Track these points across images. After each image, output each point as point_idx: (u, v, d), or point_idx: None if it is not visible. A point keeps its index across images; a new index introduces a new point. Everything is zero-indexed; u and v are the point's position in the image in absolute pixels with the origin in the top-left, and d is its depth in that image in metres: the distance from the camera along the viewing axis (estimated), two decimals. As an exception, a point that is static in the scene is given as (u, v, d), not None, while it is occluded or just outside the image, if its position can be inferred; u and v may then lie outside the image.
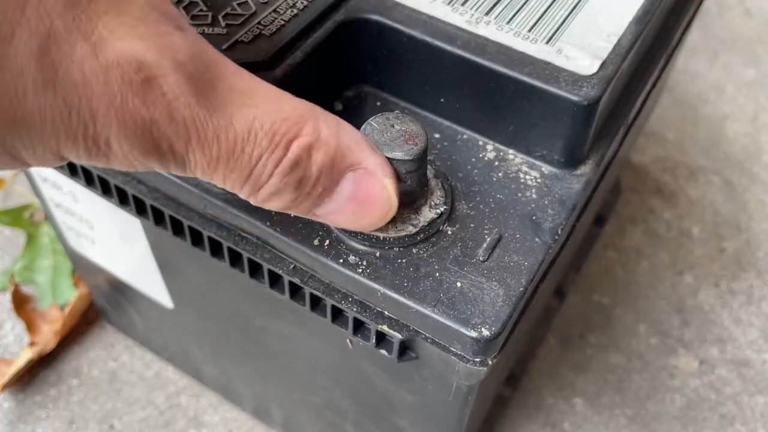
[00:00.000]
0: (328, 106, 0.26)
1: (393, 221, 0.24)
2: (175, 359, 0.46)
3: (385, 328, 0.24)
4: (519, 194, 0.26)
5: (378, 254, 0.24)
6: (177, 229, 0.28)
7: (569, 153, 0.26)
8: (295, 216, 0.24)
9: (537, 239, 0.25)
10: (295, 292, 0.26)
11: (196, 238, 0.28)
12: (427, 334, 0.24)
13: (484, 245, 0.24)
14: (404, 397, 0.29)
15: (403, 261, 0.24)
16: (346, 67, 0.28)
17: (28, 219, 0.51)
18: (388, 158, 0.22)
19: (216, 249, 0.27)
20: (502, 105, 0.26)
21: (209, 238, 0.27)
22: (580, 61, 0.25)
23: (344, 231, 0.24)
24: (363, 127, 0.22)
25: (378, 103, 0.28)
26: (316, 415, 0.38)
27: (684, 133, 0.62)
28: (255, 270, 0.27)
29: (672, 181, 0.59)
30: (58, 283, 0.49)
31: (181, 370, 0.46)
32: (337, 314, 0.26)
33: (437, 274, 0.23)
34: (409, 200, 0.24)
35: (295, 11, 0.26)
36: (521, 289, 0.23)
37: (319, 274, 0.25)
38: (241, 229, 0.26)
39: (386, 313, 0.24)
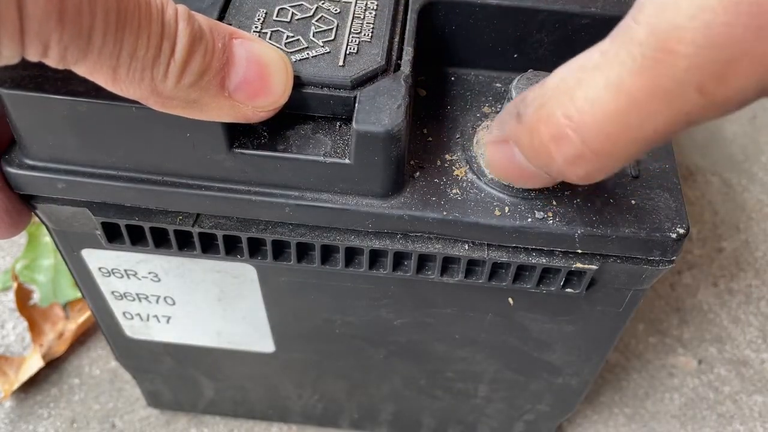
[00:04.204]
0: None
1: None
2: (253, 411, 0.43)
3: (578, 265, 0.25)
4: None
5: (554, 202, 0.25)
6: (325, 256, 0.27)
7: None
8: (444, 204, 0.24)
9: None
10: (470, 270, 0.27)
11: (349, 258, 0.27)
12: (623, 254, 0.25)
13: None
14: (562, 330, 0.31)
15: (578, 200, 0.25)
16: (422, 51, 0.27)
17: (30, 219, 0.51)
18: None
19: (374, 260, 0.27)
20: (577, 40, 0.27)
21: (371, 251, 0.26)
22: None
23: (520, 191, 0.25)
24: (509, 94, 0.23)
25: (452, 79, 0.29)
26: (435, 397, 0.38)
27: (682, 133, 0.62)
28: (422, 265, 0.27)
29: (671, 181, 0.59)
30: (60, 282, 0.49)
31: (260, 419, 0.44)
32: (518, 275, 0.27)
33: (612, 201, 0.25)
34: None
35: (373, 12, 0.25)
36: (678, 185, 0.26)
37: (502, 242, 0.25)
38: (406, 230, 0.25)
39: (571, 252, 0.25)
